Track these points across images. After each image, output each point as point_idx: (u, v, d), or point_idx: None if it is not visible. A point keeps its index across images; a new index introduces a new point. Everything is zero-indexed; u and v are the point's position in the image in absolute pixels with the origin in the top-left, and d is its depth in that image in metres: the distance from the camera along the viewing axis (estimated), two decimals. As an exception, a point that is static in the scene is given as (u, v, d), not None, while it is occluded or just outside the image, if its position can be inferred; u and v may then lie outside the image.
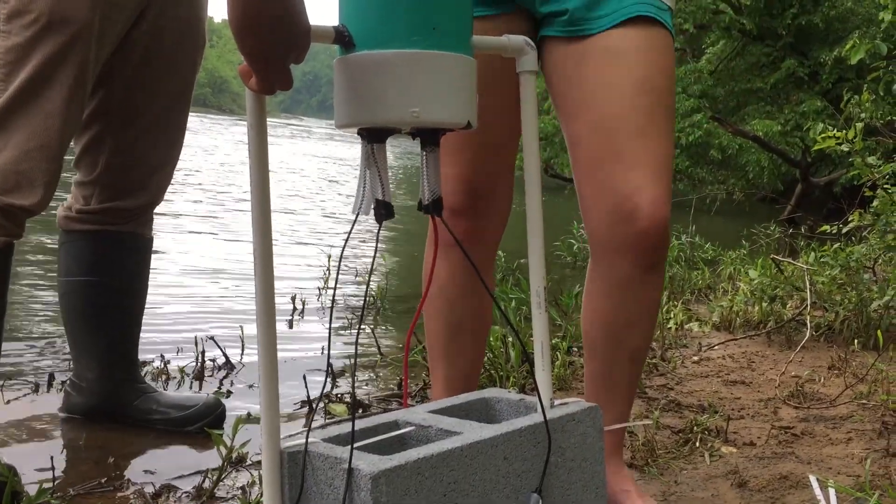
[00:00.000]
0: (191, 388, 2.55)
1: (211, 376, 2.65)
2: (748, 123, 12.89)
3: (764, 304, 3.76)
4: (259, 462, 1.67)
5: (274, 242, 1.07)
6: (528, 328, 1.21)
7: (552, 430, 1.14)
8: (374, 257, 1.99)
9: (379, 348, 3.08)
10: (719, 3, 13.50)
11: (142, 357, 2.38)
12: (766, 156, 12.68)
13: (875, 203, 3.82)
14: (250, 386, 2.57)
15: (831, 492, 1.84)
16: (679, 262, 5.55)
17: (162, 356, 2.71)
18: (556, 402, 1.20)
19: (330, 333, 2.88)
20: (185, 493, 1.76)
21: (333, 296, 2.10)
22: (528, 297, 2.04)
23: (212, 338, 2.83)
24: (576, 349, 3.04)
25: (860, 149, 3.55)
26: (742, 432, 2.31)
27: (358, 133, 1.06)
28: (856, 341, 3.36)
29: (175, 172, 2.16)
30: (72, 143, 1.84)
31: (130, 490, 1.77)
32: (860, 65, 6.14)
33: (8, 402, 2.29)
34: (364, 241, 6.00)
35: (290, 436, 1.07)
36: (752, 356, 3.27)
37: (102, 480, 1.79)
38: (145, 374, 2.49)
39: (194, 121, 19.61)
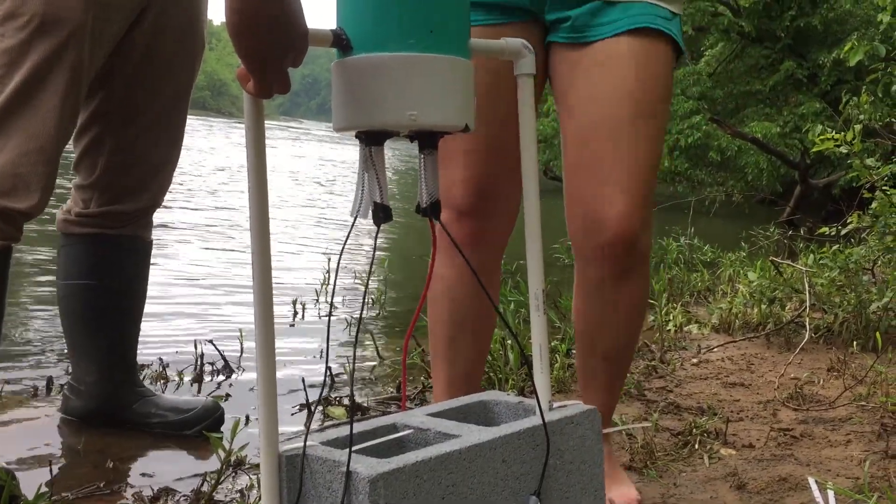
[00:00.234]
0: (189, 391, 2.55)
1: (210, 380, 2.65)
2: (747, 125, 12.90)
3: (763, 306, 3.76)
4: (257, 465, 1.67)
5: (272, 245, 1.07)
6: (527, 330, 1.21)
7: (551, 432, 1.14)
8: (373, 261, 1.99)
9: (378, 351, 3.08)
10: (718, 6, 13.51)
11: (140, 360, 2.38)
12: (765, 158, 12.69)
13: (874, 205, 3.82)
14: (249, 389, 2.57)
15: (830, 494, 1.84)
16: (678, 264, 5.54)
17: (160, 359, 2.71)
18: (555, 404, 1.20)
19: (328, 336, 2.89)
20: (184, 496, 1.76)
21: (332, 299, 2.10)
22: (526, 300, 2.05)
23: (210, 341, 2.83)
24: (574, 352, 3.04)
25: (859, 150, 3.55)
26: (741, 434, 2.31)
27: (356, 136, 1.06)
28: (855, 343, 3.37)
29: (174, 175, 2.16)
30: (72, 145, 1.84)
31: (129, 493, 1.77)
32: (859, 66, 6.16)
33: (6, 405, 2.29)
34: (362, 246, 6.00)
35: (288, 439, 1.07)
36: (752, 358, 3.27)
37: (101, 484, 1.79)
38: (144, 378, 2.49)
39: (193, 123, 19.59)
